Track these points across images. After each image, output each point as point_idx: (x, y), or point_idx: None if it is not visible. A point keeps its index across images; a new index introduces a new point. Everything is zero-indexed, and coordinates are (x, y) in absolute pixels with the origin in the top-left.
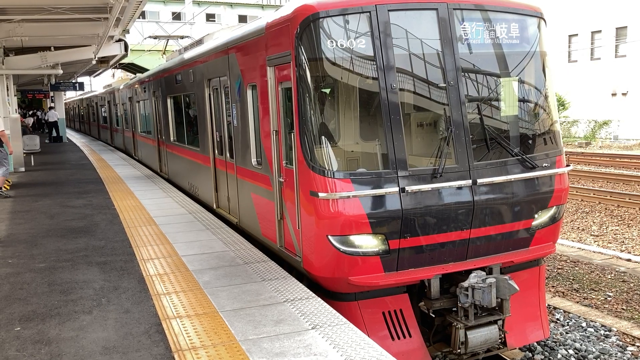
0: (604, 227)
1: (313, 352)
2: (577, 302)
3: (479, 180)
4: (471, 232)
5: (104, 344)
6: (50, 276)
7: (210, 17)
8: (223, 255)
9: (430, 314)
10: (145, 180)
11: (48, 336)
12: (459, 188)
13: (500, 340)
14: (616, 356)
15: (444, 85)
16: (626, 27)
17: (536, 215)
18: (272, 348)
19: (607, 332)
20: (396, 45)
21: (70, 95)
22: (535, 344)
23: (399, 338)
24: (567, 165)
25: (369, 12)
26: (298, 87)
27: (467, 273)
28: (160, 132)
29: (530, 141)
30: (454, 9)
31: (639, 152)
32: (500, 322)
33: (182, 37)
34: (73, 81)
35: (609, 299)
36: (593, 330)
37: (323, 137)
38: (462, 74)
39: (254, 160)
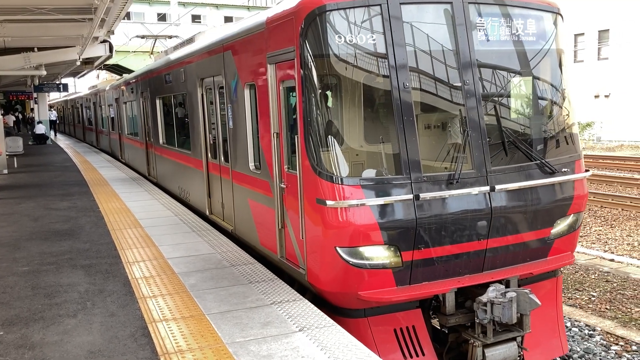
0: (588, 228)
1: (300, 354)
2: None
3: (497, 187)
4: (488, 242)
5: (89, 348)
6: (33, 279)
7: (195, 18)
8: (209, 258)
9: (443, 330)
10: (131, 182)
11: (32, 341)
12: (476, 195)
13: (519, 358)
14: (600, 355)
15: (459, 84)
16: (608, 30)
17: (555, 224)
18: (259, 351)
19: (591, 332)
20: (408, 42)
21: (54, 96)
22: None
23: (411, 357)
24: (586, 171)
25: (380, 5)
26: (303, 86)
27: (484, 286)
28: (149, 135)
29: (548, 144)
30: (469, 2)
31: (622, 153)
32: (519, 339)
33: (170, 37)
34: (57, 82)
35: (593, 298)
36: (577, 330)
37: (330, 140)
38: (479, 72)
39: (251, 165)
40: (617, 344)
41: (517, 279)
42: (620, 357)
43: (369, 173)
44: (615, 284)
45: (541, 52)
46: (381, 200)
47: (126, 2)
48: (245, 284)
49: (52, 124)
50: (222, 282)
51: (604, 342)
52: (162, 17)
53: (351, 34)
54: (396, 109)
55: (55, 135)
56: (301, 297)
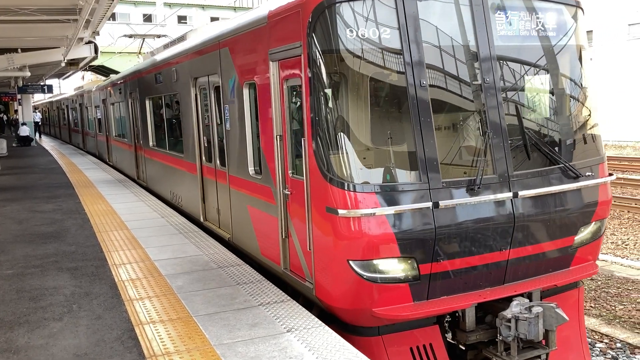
0: None
1: (288, 355)
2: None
3: (520, 193)
4: (510, 253)
5: (75, 351)
6: (18, 283)
7: (181, 19)
8: (196, 259)
9: (461, 347)
10: (117, 184)
11: (17, 344)
12: (498, 202)
13: None
14: None
15: (479, 82)
16: (592, 31)
17: (578, 231)
18: (247, 352)
19: None
20: (425, 37)
21: (39, 97)
22: None
23: None
24: (610, 175)
25: None
26: (311, 85)
27: (505, 299)
28: (138, 137)
29: (572, 146)
30: None
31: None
32: (543, 356)
33: (159, 36)
34: (41, 84)
35: None
36: None
37: (342, 143)
38: (500, 70)
39: (251, 169)
40: (601, 342)
41: (540, 291)
42: (605, 354)
43: (384, 179)
44: (599, 282)
45: (563, 48)
46: (398, 209)
47: (111, 3)
48: (233, 286)
49: (36, 125)
50: (210, 284)
51: (589, 340)
52: (147, 18)
53: (363, 28)
54: (413, 109)
55: (40, 137)
56: (289, 298)
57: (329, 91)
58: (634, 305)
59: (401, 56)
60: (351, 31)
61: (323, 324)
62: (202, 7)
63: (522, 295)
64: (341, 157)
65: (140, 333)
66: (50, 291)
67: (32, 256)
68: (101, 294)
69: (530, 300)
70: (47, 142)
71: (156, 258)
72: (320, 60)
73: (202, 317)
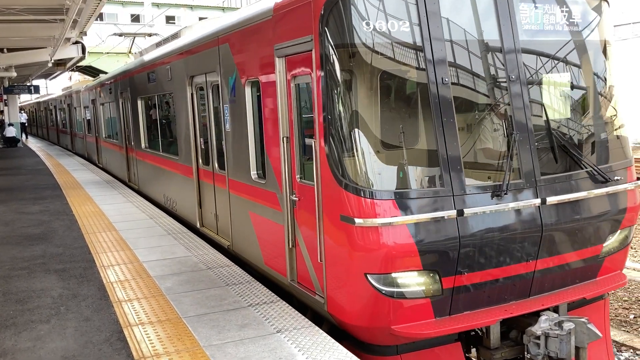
0: None
1: (278, 355)
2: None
3: (548, 199)
4: (537, 264)
5: (63, 353)
6: (5, 285)
7: (170, 19)
8: (185, 261)
9: None
10: (105, 185)
11: (3, 347)
12: (525, 209)
13: None
14: None
15: (504, 79)
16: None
17: (606, 239)
18: (237, 353)
19: None
20: (447, 31)
21: (26, 98)
22: None
23: None
24: (638, 179)
25: None
26: (323, 82)
27: (532, 314)
28: (129, 138)
29: (600, 149)
30: None
31: None
32: None
33: (149, 35)
34: (28, 84)
35: None
36: None
37: (359, 145)
38: (525, 66)
39: (253, 173)
40: (621, 352)
41: (567, 304)
42: None
43: (404, 184)
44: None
45: (589, 43)
46: (420, 217)
47: (99, 3)
48: (222, 287)
49: (22, 126)
50: (199, 285)
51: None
52: (135, 18)
53: (381, 20)
54: (434, 109)
55: (26, 138)
56: (279, 298)
57: (343, 89)
58: None
59: (422, 51)
60: (368, 24)
61: (313, 325)
62: (191, 7)
63: (549, 309)
64: (358, 161)
65: (129, 335)
66: (38, 293)
67: (19, 258)
68: (89, 296)
69: (557, 314)
70: (34, 143)
71: (145, 259)
72: (333, 55)
73: (191, 319)
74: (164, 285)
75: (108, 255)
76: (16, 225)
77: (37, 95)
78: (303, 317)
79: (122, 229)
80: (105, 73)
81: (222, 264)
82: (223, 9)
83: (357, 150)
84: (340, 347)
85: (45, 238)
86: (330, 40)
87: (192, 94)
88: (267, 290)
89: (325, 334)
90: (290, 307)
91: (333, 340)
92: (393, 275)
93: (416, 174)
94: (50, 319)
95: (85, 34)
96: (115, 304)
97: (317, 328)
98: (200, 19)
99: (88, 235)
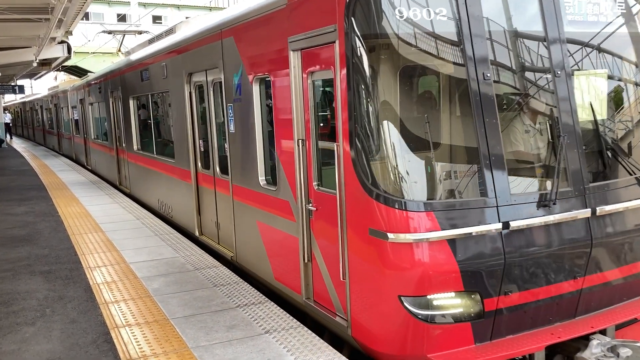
0: None
1: (267, 356)
2: None
3: (598, 209)
4: (584, 281)
5: (49, 356)
6: None
7: (156, 19)
8: (173, 262)
9: None
10: (91, 186)
11: None
12: (574, 220)
13: None
14: None
15: (550, 76)
16: None
17: None
18: (225, 354)
19: None
20: (488, 25)
21: (10, 98)
22: None
23: None
24: None
25: None
26: (350, 78)
27: (580, 337)
28: (120, 139)
29: None
30: None
31: None
32: None
33: (140, 32)
34: (12, 84)
35: None
36: None
37: (393, 150)
38: (573, 62)
39: (262, 179)
40: None
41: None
42: None
43: (444, 194)
44: None
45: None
46: (461, 232)
47: (85, 2)
48: (210, 288)
49: (7, 126)
50: (186, 286)
51: None
52: (122, 18)
53: (415, 9)
54: (475, 108)
55: (11, 138)
56: (267, 299)
57: (372, 86)
58: None
59: (461, 45)
60: (400, 12)
61: (301, 325)
62: (177, 7)
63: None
64: (390, 168)
65: (116, 336)
66: (23, 295)
67: (4, 260)
68: (75, 298)
69: (605, 335)
70: (18, 144)
71: (132, 260)
72: (361, 48)
73: (179, 320)
74: (151, 286)
75: (94, 257)
76: (1, 226)
77: (22, 95)
78: (291, 317)
79: (108, 230)
80: (92, 73)
81: (209, 264)
82: (210, 8)
83: (390, 156)
84: (329, 347)
85: (31, 239)
86: (357, 31)
87: (190, 93)
88: (255, 290)
89: (314, 335)
90: (278, 307)
91: (322, 341)
92: (430, 297)
93: (458, 183)
94: (36, 321)
95: (71, 34)
96: (102, 305)
97: (305, 328)
98: (187, 18)
99: (74, 236)
